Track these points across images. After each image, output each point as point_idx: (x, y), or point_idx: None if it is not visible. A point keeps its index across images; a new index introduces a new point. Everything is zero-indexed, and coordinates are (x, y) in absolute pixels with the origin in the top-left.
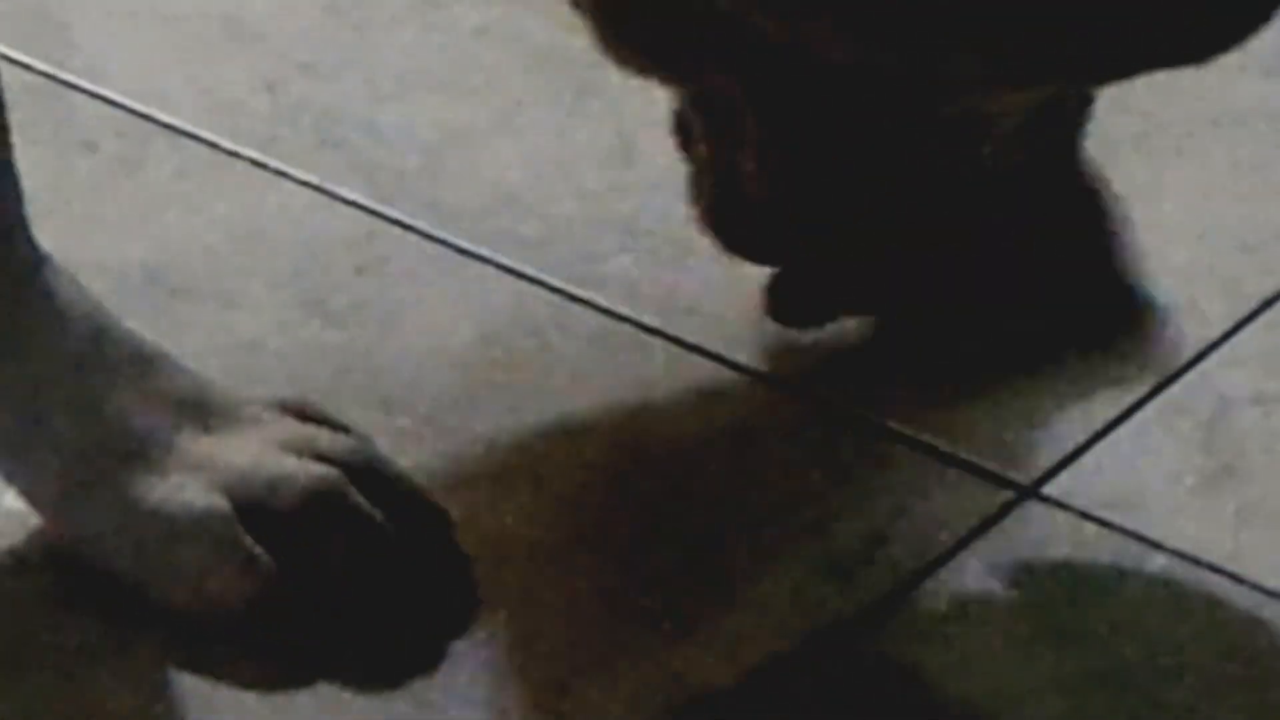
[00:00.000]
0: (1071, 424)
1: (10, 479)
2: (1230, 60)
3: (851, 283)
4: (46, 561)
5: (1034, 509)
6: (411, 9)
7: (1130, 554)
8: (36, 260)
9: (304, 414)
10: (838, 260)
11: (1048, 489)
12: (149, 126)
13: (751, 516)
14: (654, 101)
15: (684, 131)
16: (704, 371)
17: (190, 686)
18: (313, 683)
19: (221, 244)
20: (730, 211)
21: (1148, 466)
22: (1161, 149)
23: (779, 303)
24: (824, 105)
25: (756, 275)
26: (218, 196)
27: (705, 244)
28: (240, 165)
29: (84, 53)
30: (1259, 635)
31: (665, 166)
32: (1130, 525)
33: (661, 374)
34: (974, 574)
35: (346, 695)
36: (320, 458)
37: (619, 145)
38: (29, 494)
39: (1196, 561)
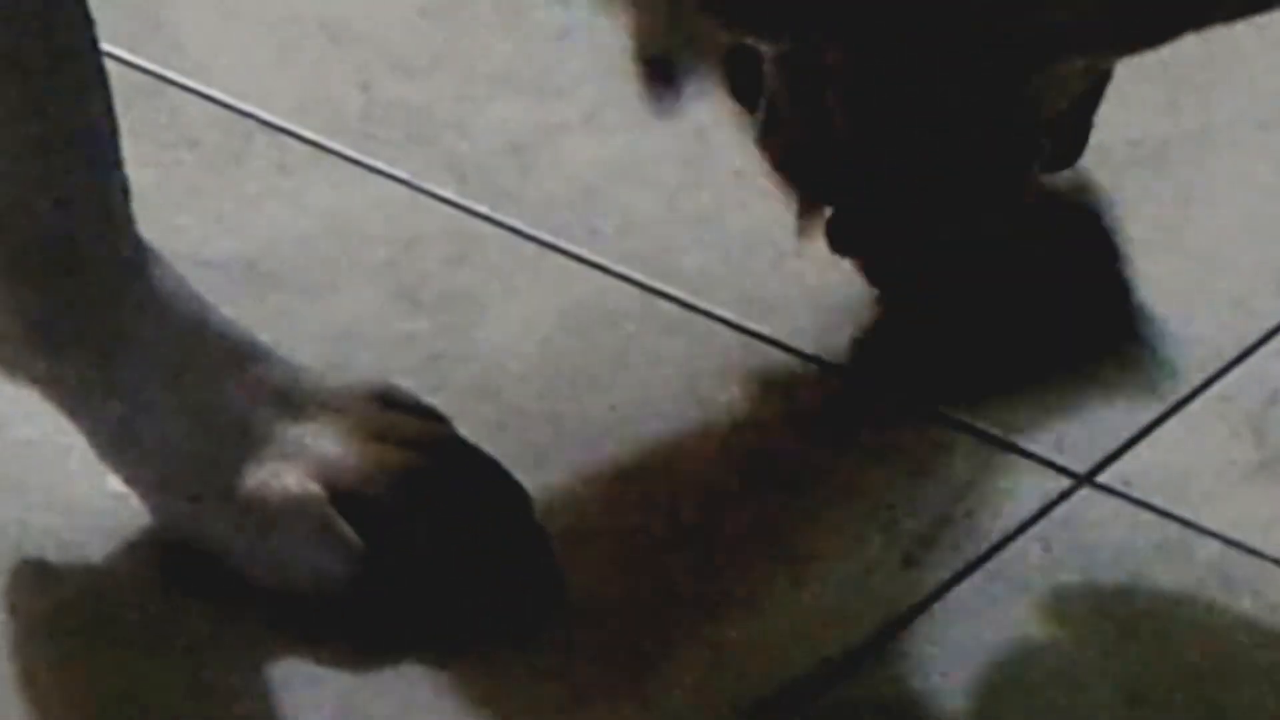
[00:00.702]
0: (1126, 414)
1: (115, 468)
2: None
3: (910, 218)
4: (151, 543)
5: (1089, 496)
6: (498, 13)
7: (1183, 540)
8: (141, 256)
9: (390, 400)
10: (901, 199)
11: (1102, 477)
12: (250, 124)
13: (820, 502)
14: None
15: (738, 81)
16: (775, 362)
17: (286, 663)
18: (402, 658)
19: (317, 236)
20: (808, 156)
21: (1200, 455)
22: (1213, 151)
23: (841, 233)
24: (915, 70)
25: (826, 269)
26: (314, 191)
27: (777, 238)
28: (335, 161)
29: (189, 53)
30: None
31: (739, 164)
32: (1183, 513)
33: (735, 364)
34: (1032, 559)
35: (433, 670)
36: (406, 442)
37: (695, 144)
38: (132, 481)
39: (1248, 549)
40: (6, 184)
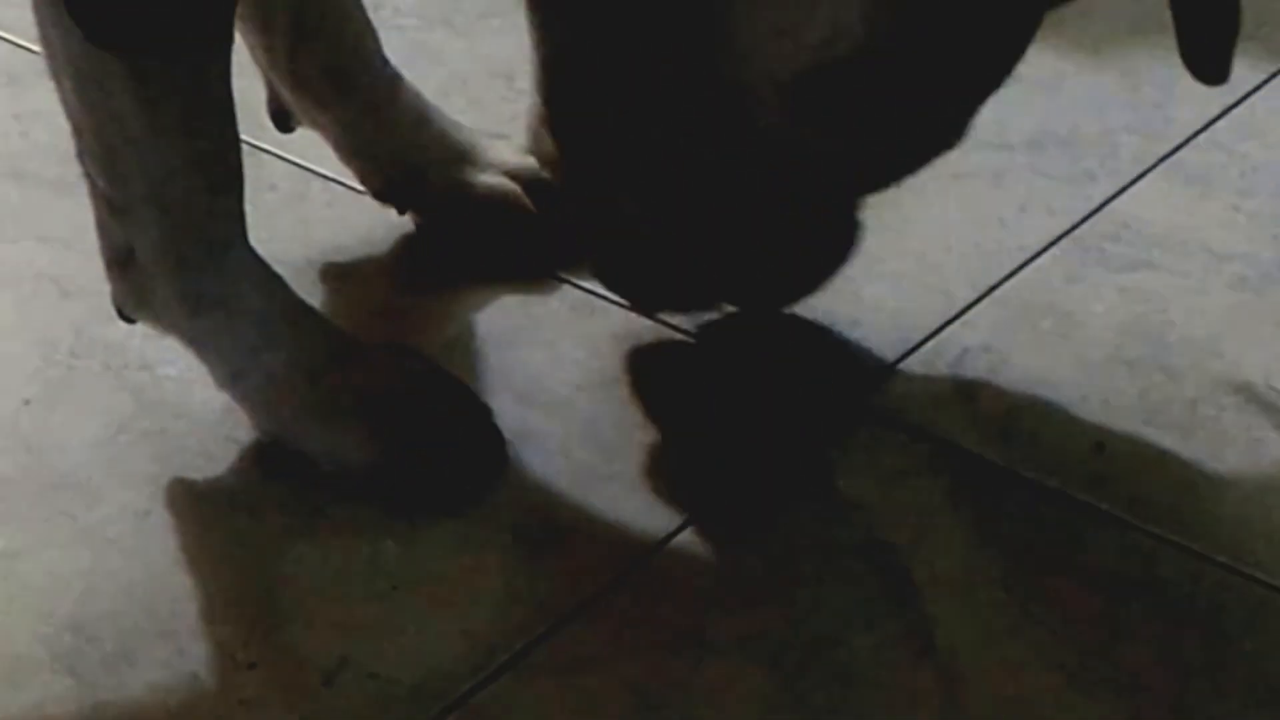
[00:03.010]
0: (872, 361)
1: (230, 393)
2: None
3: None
4: (254, 445)
5: (865, 420)
6: (489, 80)
7: (923, 453)
8: (254, 256)
9: (399, 350)
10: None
11: (874, 400)
12: (309, 175)
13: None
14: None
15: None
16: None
17: (340, 522)
18: (411, 517)
19: (353, 248)
20: (614, 261)
21: (926, 388)
22: (923, 194)
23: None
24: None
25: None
26: (353, 220)
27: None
28: (368, 201)
29: (268, 127)
30: (1009, 498)
31: None
32: (929, 430)
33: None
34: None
35: (425, 523)
36: (410, 377)
37: None
38: (241, 401)
39: (965, 450)
40: (171, 191)
